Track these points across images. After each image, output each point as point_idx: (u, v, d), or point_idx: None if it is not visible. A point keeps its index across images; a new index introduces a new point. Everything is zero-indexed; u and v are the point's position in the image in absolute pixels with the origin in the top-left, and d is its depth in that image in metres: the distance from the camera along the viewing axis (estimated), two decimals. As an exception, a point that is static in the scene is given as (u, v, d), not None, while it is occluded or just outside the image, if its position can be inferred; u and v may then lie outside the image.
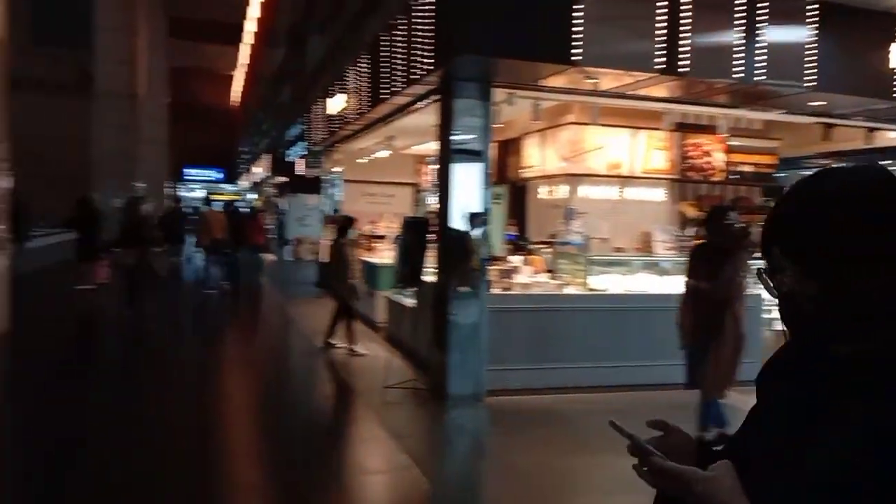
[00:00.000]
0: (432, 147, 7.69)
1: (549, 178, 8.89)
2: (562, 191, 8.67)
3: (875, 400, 0.87)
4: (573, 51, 5.61)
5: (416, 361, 7.24)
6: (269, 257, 22.39)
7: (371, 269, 9.40)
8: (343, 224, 8.51)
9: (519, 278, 7.02)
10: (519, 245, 8.19)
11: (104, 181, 21.69)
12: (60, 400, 6.36)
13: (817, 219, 0.92)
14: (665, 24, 5.86)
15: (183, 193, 39.40)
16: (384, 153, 10.38)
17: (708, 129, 8.09)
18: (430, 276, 6.86)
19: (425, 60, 6.26)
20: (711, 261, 4.80)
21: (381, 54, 7.74)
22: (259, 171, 27.89)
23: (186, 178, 41.95)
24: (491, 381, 6.32)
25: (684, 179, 8.75)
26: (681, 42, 5.90)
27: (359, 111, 9.11)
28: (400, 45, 7.11)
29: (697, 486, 0.93)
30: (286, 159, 19.37)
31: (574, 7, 5.58)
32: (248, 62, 31.33)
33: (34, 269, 15.45)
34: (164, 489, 4.39)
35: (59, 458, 4.79)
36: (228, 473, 4.93)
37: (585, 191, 8.45)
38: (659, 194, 8.72)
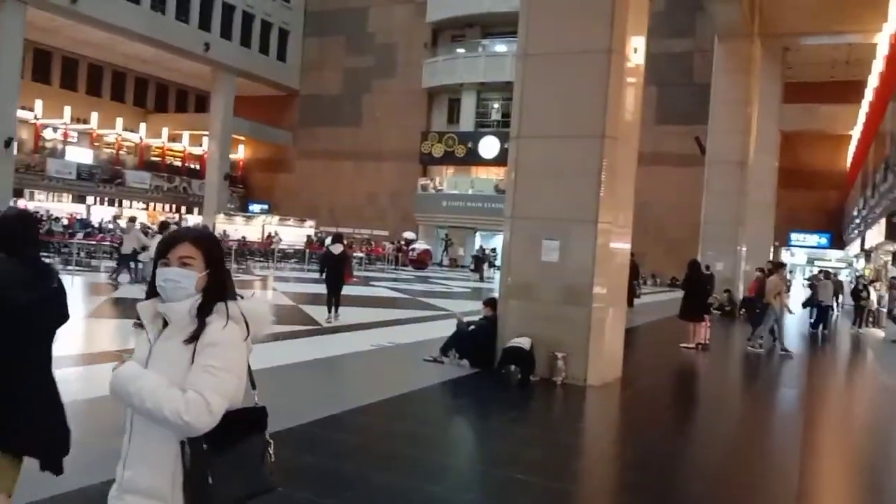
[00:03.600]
0: None
1: None
2: None
3: None
4: None
5: None
6: (878, 333, 19.69)
7: None
8: None
9: None
10: None
11: (710, 244, 22.87)
12: (669, 438, 7.01)
13: None
14: None
15: (784, 258, 38.43)
16: None
17: None
18: None
19: None
20: None
21: None
22: (873, 236, 25.10)
23: (792, 243, 40.65)
24: None
25: None
26: None
27: None
28: None
29: None
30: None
31: None
32: (866, 119, 28.74)
33: (643, 323, 17.32)
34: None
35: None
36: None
37: None
38: None
